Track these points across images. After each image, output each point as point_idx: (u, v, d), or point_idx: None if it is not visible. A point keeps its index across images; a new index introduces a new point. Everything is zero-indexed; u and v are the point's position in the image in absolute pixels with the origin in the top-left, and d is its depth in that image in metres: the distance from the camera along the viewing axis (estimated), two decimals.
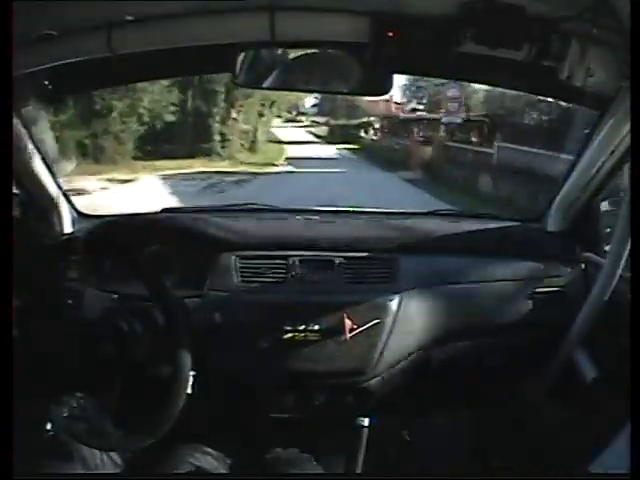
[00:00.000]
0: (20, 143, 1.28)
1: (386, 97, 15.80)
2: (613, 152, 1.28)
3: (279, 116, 21.77)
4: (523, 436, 1.46)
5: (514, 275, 1.45)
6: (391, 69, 1.17)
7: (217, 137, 14.79)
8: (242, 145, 15.79)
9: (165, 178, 11.65)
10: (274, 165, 14.77)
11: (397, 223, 1.66)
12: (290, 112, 24.93)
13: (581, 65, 1.03)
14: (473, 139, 13.71)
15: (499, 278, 1.45)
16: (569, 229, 1.51)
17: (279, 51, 1.18)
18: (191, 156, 13.87)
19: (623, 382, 0.83)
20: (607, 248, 1.41)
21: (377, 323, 1.31)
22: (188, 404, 1.15)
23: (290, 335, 1.29)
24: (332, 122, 22.23)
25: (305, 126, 24.88)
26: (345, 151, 18.22)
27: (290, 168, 14.26)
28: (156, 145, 13.68)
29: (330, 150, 18.00)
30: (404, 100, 19.25)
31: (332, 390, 1.32)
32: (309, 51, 1.18)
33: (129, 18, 1.09)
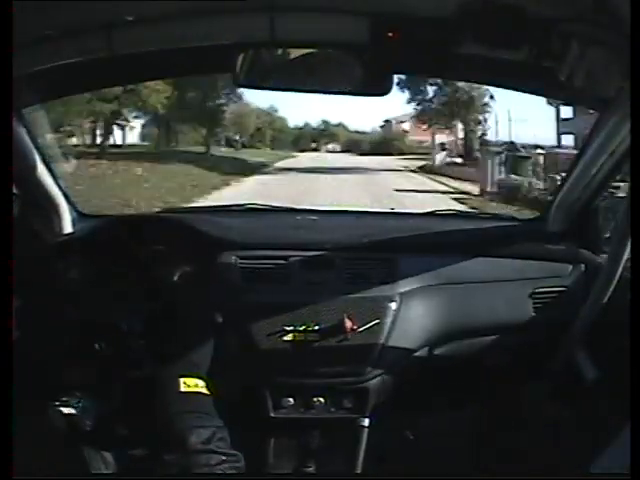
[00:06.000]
0: (20, 143, 1.27)
1: None
2: (613, 152, 1.28)
3: None
4: (523, 436, 1.46)
5: (514, 275, 1.45)
6: (391, 69, 1.17)
7: None
8: None
9: None
10: None
11: (397, 223, 1.66)
12: None
13: (581, 65, 1.03)
14: None
15: (499, 278, 1.45)
16: (569, 229, 1.51)
17: (279, 51, 1.18)
18: None
19: (623, 382, 0.83)
20: (607, 248, 1.41)
21: (377, 323, 1.31)
22: (187, 403, 1.15)
23: (290, 335, 1.29)
24: None
25: None
26: None
27: None
28: None
29: None
30: None
31: (332, 390, 1.32)
32: (309, 51, 1.18)
33: (129, 18, 1.09)
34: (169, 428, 1.10)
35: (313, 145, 30.33)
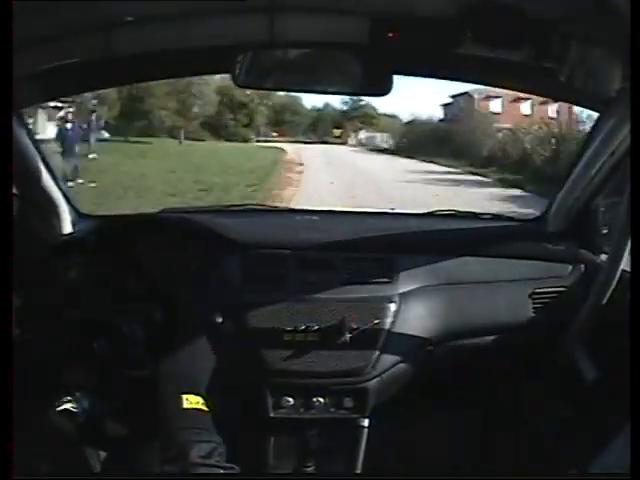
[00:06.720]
0: (20, 143, 1.27)
1: None
2: (613, 153, 1.28)
3: None
4: (523, 436, 1.46)
5: (514, 275, 1.45)
6: (391, 69, 1.17)
7: None
8: None
9: None
10: None
11: (397, 223, 1.66)
12: None
13: (581, 66, 1.03)
14: None
15: (499, 278, 1.45)
16: (569, 229, 1.51)
17: (279, 51, 1.18)
18: None
19: (623, 382, 0.83)
20: (607, 248, 1.41)
21: (377, 323, 1.31)
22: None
23: (290, 335, 1.29)
24: None
25: None
26: None
27: None
28: None
29: None
30: None
31: (332, 390, 1.32)
32: (309, 51, 1.18)
33: (129, 18, 1.09)
34: (170, 420, 1.11)
35: (336, 132, 19.98)
